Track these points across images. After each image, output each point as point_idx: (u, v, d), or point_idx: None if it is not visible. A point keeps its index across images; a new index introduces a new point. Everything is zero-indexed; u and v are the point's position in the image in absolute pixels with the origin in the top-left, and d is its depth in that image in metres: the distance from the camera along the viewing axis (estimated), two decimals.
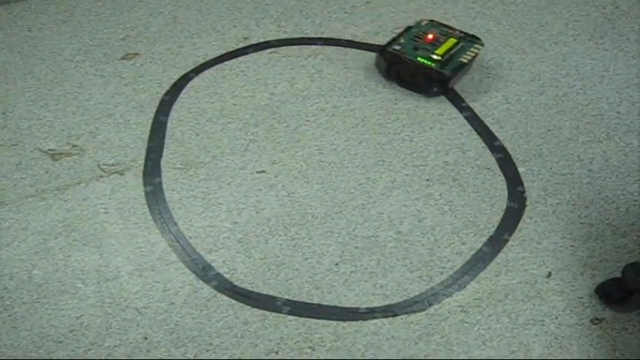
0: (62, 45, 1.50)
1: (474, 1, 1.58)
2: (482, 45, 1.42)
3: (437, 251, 1.14)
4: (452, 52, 1.40)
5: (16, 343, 1.04)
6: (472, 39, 1.43)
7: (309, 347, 1.04)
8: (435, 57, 1.38)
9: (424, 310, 1.07)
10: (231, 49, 1.49)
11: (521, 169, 1.25)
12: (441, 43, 1.41)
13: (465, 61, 1.38)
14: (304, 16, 1.56)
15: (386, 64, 1.41)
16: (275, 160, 1.28)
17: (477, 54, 1.40)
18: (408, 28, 1.46)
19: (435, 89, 1.38)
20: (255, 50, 1.49)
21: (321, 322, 1.06)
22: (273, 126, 1.33)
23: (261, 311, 1.08)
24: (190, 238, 1.16)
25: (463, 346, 1.03)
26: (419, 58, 1.38)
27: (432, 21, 1.48)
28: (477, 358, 1.02)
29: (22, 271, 1.12)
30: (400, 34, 1.45)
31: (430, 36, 1.42)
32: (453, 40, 1.42)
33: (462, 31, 1.45)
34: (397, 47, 1.41)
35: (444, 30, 1.45)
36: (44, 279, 1.11)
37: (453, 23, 1.53)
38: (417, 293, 1.09)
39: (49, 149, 1.30)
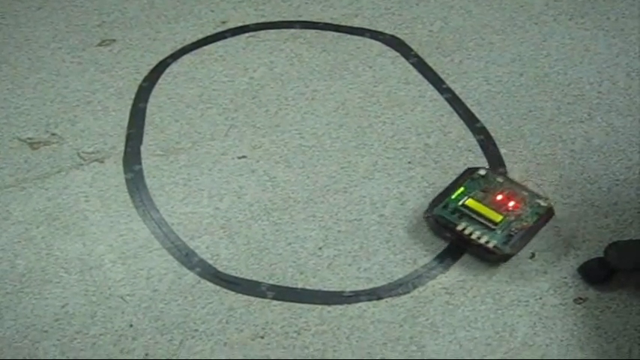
0: (37, 32, 1.49)
1: None
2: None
3: (420, 234, 1.14)
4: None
5: (1, 333, 1.03)
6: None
7: (295, 331, 1.03)
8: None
9: (408, 292, 1.07)
10: (209, 34, 1.48)
11: (502, 151, 1.25)
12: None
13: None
14: (282, 0, 1.54)
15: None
16: (255, 144, 1.27)
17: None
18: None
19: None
20: (234, 35, 1.48)
21: (305, 306, 1.06)
22: (253, 110, 1.33)
23: (245, 297, 1.07)
24: (173, 224, 1.16)
25: (448, 328, 1.03)
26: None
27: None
28: (461, 338, 1.02)
29: (5, 262, 1.11)
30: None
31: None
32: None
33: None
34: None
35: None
36: (27, 269, 1.10)
37: (432, 5, 1.52)
38: (401, 276, 1.09)
39: (28, 138, 1.28)
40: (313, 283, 1.08)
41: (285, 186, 1.21)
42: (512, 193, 1.15)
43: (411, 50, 1.44)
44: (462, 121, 1.30)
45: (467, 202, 1.14)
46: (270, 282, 1.09)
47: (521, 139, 1.27)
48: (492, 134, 1.28)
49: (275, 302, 1.07)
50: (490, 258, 1.10)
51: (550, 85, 1.36)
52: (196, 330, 1.03)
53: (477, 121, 1.30)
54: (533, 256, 1.11)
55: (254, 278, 1.09)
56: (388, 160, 1.24)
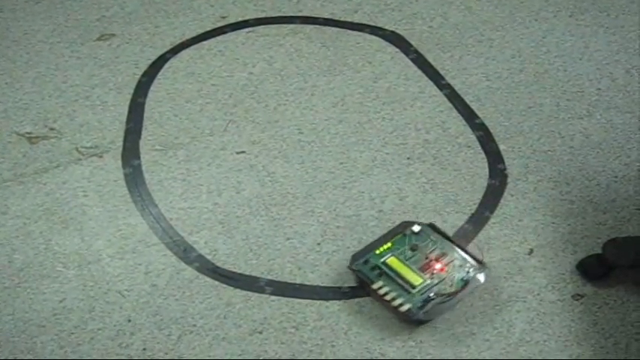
0: (36, 26, 1.49)
1: None
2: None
3: None
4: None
5: None
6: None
7: (293, 327, 1.03)
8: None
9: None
10: (208, 29, 1.48)
11: (502, 147, 1.25)
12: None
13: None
14: None
15: None
16: (254, 140, 1.27)
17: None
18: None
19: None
20: (233, 30, 1.48)
21: (304, 301, 1.06)
22: (252, 106, 1.33)
23: (244, 292, 1.07)
24: (171, 219, 1.16)
25: (446, 323, 1.03)
26: None
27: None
28: (459, 334, 1.02)
29: (3, 256, 1.11)
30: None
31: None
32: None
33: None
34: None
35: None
36: (25, 263, 1.10)
37: (432, 1, 1.52)
38: None
39: (26, 133, 1.28)
40: (311, 279, 1.08)
41: (284, 181, 1.21)
42: (443, 254, 1.07)
43: (411, 46, 1.44)
44: (461, 117, 1.30)
45: (388, 260, 1.07)
46: (269, 277, 1.09)
47: (521, 135, 1.27)
48: (491, 130, 1.28)
49: (273, 297, 1.07)
50: (404, 319, 1.03)
51: (549, 81, 1.36)
52: (194, 325, 1.03)
53: (477, 117, 1.30)
54: (531, 252, 1.11)
55: (252, 273, 1.09)
56: (387, 156, 1.24)
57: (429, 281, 1.04)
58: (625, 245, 1.09)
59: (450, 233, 1.13)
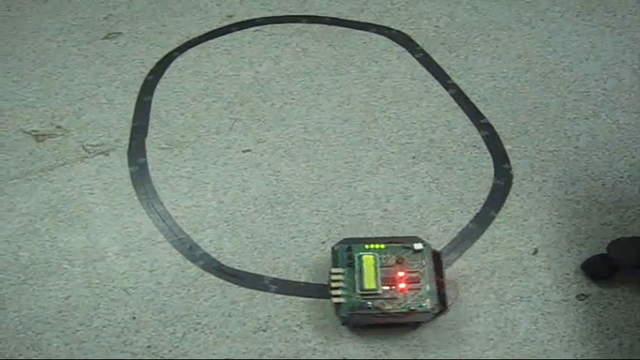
0: (43, 24, 1.49)
1: None
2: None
3: (423, 229, 1.14)
4: None
5: (4, 324, 1.03)
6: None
7: (297, 325, 1.04)
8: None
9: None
10: (215, 28, 1.48)
11: (507, 146, 1.25)
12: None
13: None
14: None
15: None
16: (260, 139, 1.27)
17: None
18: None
19: None
20: (240, 29, 1.48)
21: (308, 300, 1.06)
22: (258, 105, 1.33)
23: (248, 290, 1.07)
24: (176, 217, 1.16)
25: (450, 323, 1.03)
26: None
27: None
28: (463, 333, 1.02)
29: (9, 253, 1.11)
30: None
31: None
32: None
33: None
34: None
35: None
36: (31, 260, 1.11)
37: (438, 0, 1.52)
38: None
39: (33, 130, 1.29)
40: (316, 277, 1.08)
41: (290, 180, 1.21)
42: (416, 280, 1.03)
43: (417, 45, 1.44)
44: (467, 117, 1.30)
45: (365, 257, 1.05)
46: (273, 276, 1.09)
47: (526, 135, 1.27)
48: (497, 130, 1.27)
49: (278, 296, 1.07)
50: (334, 311, 1.02)
51: (556, 81, 1.36)
52: (199, 323, 1.04)
53: (482, 116, 1.30)
54: (536, 251, 1.11)
55: (257, 272, 1.09)
56: (393, 155, 1.24)
57: (380, 292, 1.01)
58: (630, 245, 1.09)
59: (455, 233, 1.13)
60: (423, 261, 1.05)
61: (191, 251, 1.12)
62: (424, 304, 1.01)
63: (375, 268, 1.04)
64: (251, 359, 1.01)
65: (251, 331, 1.03)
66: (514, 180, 1.20)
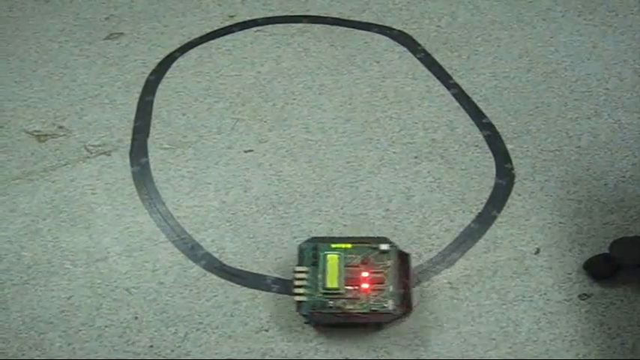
0: (45, 25, 1.49)
1: None
2: None
3: (425, 228, 1.14)
4: None
5: (7, 324, 1.04)
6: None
7: (299, 325, 1.04)
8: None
9: (413, 287, 1.07)
10: (216, 28, 1.48)
11: (509, 146, 1.25)
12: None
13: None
14: None
15: None
16: (262, 139, 1.27)
17: None
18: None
19: None
20: (241, 29, 1.48)
21: None
22: (260, 105, 1.33)
23: (250, 290, 1.08)
24: (179, 217, 1.16)
25: (452, 323, 1.03)
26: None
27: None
28: (465, 333, 1.02)
29: (11, 253, 1.11)
30: None
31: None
32: None
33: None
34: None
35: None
36: (33, 260, 1.11)
37: (440, 0, 1.52)
38: None
39: (35, 131, 1.29)
40: None
41: (292, 180, 1.21)
42: (380, 281, 1.02)
43: (419, 45, 1.44)
44: (468, 117, 1.30)
45: (329, 256, 1.04)
46: (275, 275, 1.09)
47: (528, 134, 1.27)
48: (499, 130, 1.27)
49: (280, 296, 1.07)
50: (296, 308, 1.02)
51: (557, 81, 1.36)
52: (201, 323, 1.04)
53: (484, 116, 1.30)
54: (538, 251, 1.11)
55: (259, 272, 1.09)
56: (394, 155, 1.24)
57: (342, 291, 1.01)
58: (632, 245, 1.09)
59: (457, 232, 1.13)
60: (389, 262, 1.04)
61: (193, 251, 1.12)
62: (386, 305, 1.01)
63: (339, 268, 1.03)
64: (253, 359, 1.01)
65: (253, 331, 1.03)
66: (516, 179, 1.20)
